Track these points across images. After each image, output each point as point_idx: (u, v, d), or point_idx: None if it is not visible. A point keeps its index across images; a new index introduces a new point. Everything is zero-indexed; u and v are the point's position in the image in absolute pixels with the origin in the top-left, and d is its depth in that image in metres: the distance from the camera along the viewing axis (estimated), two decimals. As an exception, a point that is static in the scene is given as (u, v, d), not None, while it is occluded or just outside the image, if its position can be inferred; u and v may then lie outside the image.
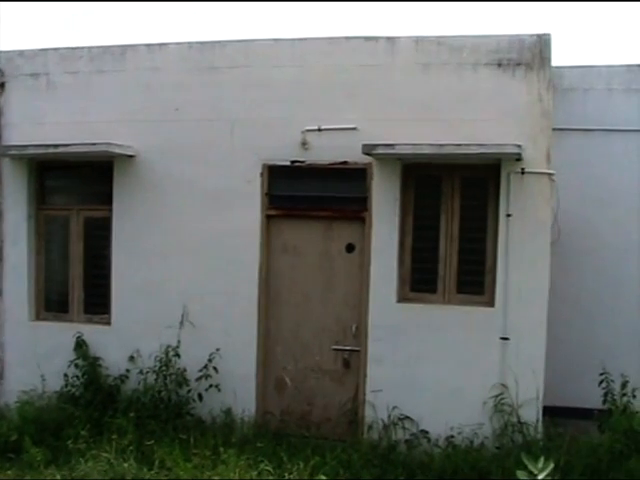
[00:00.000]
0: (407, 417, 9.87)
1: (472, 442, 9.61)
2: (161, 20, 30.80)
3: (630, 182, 11.81)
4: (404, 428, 9.87)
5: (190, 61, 10.58)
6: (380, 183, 9.90)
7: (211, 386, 10.22)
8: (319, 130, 10.03)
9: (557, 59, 10.23)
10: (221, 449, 8.90)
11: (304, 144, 10.09)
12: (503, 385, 9.61)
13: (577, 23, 28.33)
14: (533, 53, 9.57)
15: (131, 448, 8.97)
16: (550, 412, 10.04)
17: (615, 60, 13.21)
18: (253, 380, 10.40)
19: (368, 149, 9.42)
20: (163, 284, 10.60)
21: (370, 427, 9.95)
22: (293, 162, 10.19)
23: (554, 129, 9.84)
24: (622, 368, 10.11)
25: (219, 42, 10.52)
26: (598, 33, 28.59)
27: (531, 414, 9.53)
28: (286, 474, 8.47)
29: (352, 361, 10.21)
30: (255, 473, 8.45)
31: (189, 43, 10.62)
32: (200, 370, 10.20)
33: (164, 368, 10.25)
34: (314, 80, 10.14)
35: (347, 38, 10.14)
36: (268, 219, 10.36)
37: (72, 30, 29.43)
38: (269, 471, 8.50)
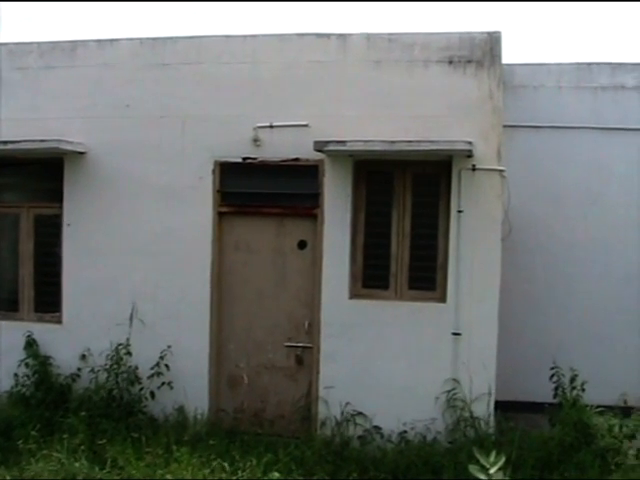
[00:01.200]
0: (360, 413, 9.88)
1: (425, 437, 9.67)
2: (112, 16, 30.56)
3: (579, 178, 11.97)
4: (357, 424, 9.88)
5: (141, 57, 10.50)
6: (332, 180, 9.91)
7: (163, 384, 10.16)
8: (271, 127, 10.01)
9: (508, 57, 10.34)
10: (174, 447, 8.88)
11: (256, 141, 10.06)
12: (455, 380, 9.67)
13: (528, 21, 28.61)
14: (484, 50, 9.63)
15: (83, 447, 8.89)
16: (502, 406, 10.12)
17: (565, 58, 13.34)
18: (206, 377, 10.35)
19: (320, 146, 9.42)
20: (115, 282, 10.51)
21: (323, 423, 9.96)
22: (245, 159, 10.16)
23: (505, 126, 9.92)
24: (572, 362, 10.21)
25: (170, 38, 10.46)
26: (548, 31, 28.92)
27: (483, 409, 9.60)
28: (239, 472, 8.46)
29: (305, 358, 10.21)
30: (208, 471, 8.44)
31: (140, 39, 10.54)
32: (152, 368, 10.13)
33: (115, 366, 10.16)
34: (266, 77, 10.13)
35: (299, 35, 10.14)
36: (220, 216, 10.31)
37: (21, 25, 29.12)
38: (222, 468, 8.48)
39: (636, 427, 9.50)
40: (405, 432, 9.71)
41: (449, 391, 9.66)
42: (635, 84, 11.86)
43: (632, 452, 9.41)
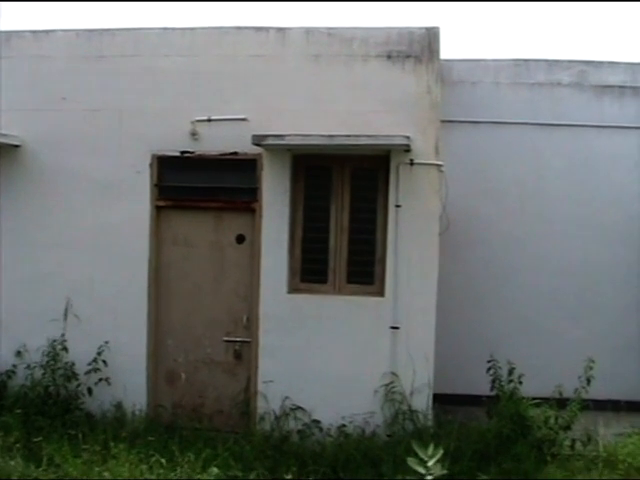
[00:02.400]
0: (299, 407, 9.89)
1: (364, 431, 9.72)
2: (48, 6, 30.09)
3: (517, 173, 12.09)
4: (296, 418, 9.90)
5: (78, 49, 10.34)
6: (270, 174, 9.90)
7: (101, 380, 10.07)
8: (209, 120, 9.96)
9: (446, 52, 10.44)
10: (111, 444, 8.79)
11: (194, 134, 10.01)
12: (394, 374, 9.74)
13: (466, 17, 28.78)
14: (422, 46, 9.70)
15: (18, 445, 8.77)
16: (440, 399, 10.23)
17: (503, 54, 13.48)
18: (144, 373, 10.27)
19: (258, 140, 9.40)
20: (51, 277, 10.35)
21: (262, 418, 9.96)
22: (183, 152, 10.10)
23: (443, 121, 10.03)
24: (510, 355, 10.32)
25: (108, 30, 10.33)
26: (487, 27, 29.18)
27: (422, 402, 9.70)
28: (178, 467, 8.43)
29: (243, 352, 10.19)
30: (146, 467, 8.40)
31: (76, 31, 10.39)
32: (89, 364, 10.03)
33: (52, 363, 10.04)
34: (204, 70, 10.07)
35: (237, 28, 10.09)
36: (158, 210, 10.24)
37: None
38: (161, 464, 8.44)
39: (571, 418, 9.65)
40: (344, 426, 9.74)
41: (388, 384, 9.73)
42: (571, 81, 12.00)
43: (567, 443, 9.60)
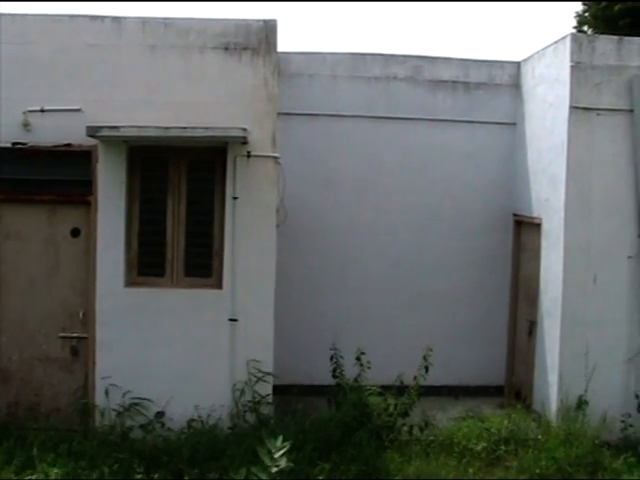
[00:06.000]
0: (140, 403, 9.81)
1: (206, 423, 9.73)
2: None
3: (354, 165, 12.26)
4: (137, 414, 9.81)
5: None
6: (106, 166, 9.76)
7: None
8: (42, 111, 9.71)
9: (284, 45, 10.51)
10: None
11: (26, 125, 9.74)
12: (234, 366, 9.79)
13: (305, 10, 29.07)
14: (259, 38, 9.77)
15: None
16: (282, 390, 10.36)
17: (340, 48, 13.60)
18: (-25, 373, 9.96)
19: (92, 131, 9.24)
20: None
21: (102, 415, 9.82)
22: (14, 144, 9.80)
23: (281, 113, 10.17)
24: (351, 345, 10.50)
25: None
26: (325, 21, 29.58)
27: (263, 393, 9.81)
28: (28, 475, 8.34)
29: (80, 348, 10.01)
30: (-18, 471, 8.21)
31: None
32: None
33: None
34: (36, 59, 9.78)
35: (71, 16, 9.86)
36: (-12, 204, 9.93)
37: None
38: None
39: (409, 405, 9.95)
40: (188, 420, 9.76)
41: (229, 377, 9.78)
42: (406, 75, 12.25)
43: (405, 429, 9.89)
